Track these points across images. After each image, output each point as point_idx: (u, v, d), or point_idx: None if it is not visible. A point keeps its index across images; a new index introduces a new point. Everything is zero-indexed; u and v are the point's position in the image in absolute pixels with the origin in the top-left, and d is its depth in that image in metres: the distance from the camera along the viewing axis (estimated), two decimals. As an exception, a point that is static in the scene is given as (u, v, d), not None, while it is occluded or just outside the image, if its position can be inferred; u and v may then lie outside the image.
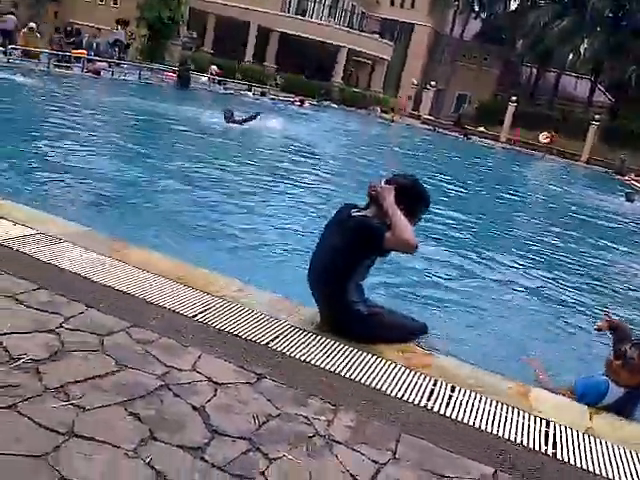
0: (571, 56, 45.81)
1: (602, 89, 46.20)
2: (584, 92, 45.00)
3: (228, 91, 28.87)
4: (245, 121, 15.43)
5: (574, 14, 40.77)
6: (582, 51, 45.80)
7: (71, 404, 2.06)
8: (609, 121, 39.13)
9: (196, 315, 2.93)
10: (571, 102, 45.39)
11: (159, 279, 3.27)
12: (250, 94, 29.44)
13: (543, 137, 34.67)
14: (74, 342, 2.46)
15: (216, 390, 2.34)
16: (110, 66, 23.55)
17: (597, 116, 36.90)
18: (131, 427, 2.02)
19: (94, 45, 25.86)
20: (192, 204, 7.13)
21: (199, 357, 2.55)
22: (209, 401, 2.26)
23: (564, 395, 3.11)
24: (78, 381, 2.19)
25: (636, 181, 27.64)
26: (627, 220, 15.35)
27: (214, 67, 30.47)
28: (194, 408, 2.20)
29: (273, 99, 30.41)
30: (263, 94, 30.01)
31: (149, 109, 15.91)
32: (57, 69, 20.77)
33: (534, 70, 47.56)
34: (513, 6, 46.90)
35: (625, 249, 10.57)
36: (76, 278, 3.07)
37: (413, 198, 3.10)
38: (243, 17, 37.08)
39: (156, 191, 7.42)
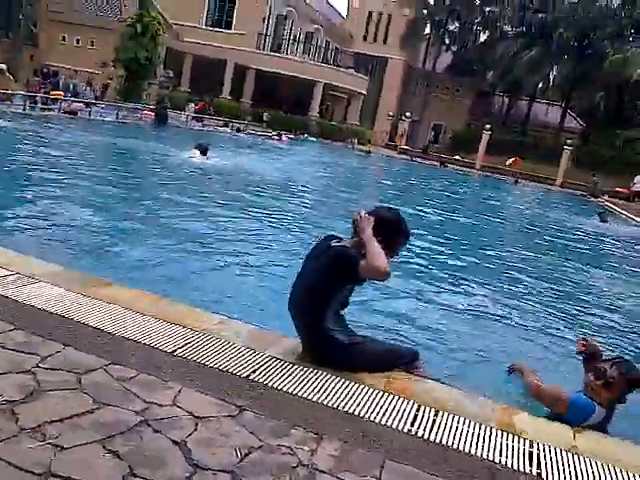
0: (541, 84, 47.13)
1: (573, 115, 47.41)
2: (555, 118, 46.13)
3: (205, 128, 29.09)
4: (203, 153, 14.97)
5: (541, 44, 42.02)
6: (551, 79, 47.15)
7: (48, 444, 2.01)
8: (581, 146, 40.06)
9: (175, 350, 2.90)
10: (543, 128, 46.49)
11: (137, 315, 3.24)
12: (228, 130, 29.71)
13: (508, 162, 35.52)
14: (51, 381, 2.42)
15: (197, 424, 2.31)
16: (87, 106, 23.64)
17: (569, 141, 37.78)
18: (110, 465, 1.98)
19: (71, 86, 26.02)
20: (166, 243, 7.08)
21: (179, 392, 2.52)
22: (190, 435, 2.22)
23: (556, 399, 3.11)
24: (55, 420, 2.15)
25: (610, 202, 28.19)
26: (602, 239, 15.73)
27: (192, 105, 30.75)
28: (175, 443, 2.16)
29: (251, 134, 30.74)
30: (239, 130, 30.25)
31: (125, 147, 15.95)
32: (34, 111, 20.78)
33: (505, 99, 48.75)
34: (482, 38, 48.21)
35: (600, 268, 10.78)
36: (53, 317, 3.03)
37: (392, 231, 3.12)
38: (219, 56, 37.60)
39: (129, 230, 7.37)
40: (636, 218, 22.65)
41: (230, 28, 39.68)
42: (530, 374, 3.43)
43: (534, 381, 3.34)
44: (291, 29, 42.77)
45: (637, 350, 5.89)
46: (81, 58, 36.54)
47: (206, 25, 40.06)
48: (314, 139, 35.71)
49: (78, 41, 39.96)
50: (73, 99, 23.97)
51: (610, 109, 42.78)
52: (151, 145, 17.00)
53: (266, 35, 40.58)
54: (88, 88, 27.74)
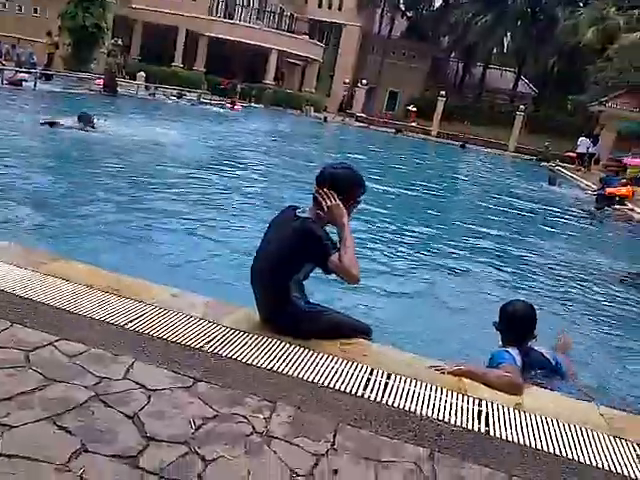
0: (495, 50, 47.47)
1: (526, 81, 48.04)
2: (509, 84, 46.66)
3: (157, 97, 28.36)
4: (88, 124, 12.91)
5: (495, 10, 42.19)
6: (505, 45, 47.54)
7: (-5, 423, 1.98)
8: (533, 111, 40.74)
9: (127, 324, 2.87)
10: (497, 94, 46.99)
11: (87, 290, 3.18)
12: (181, 100, 29.04)
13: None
14: (-2, 360, 2.37)
15: (150, 397, 2.31)
16: (32, 76, 22.67)
17: (522, 106, 38.31)
18: (61, 441, 1.97)
19: (14, 56, 24.91)
20: (118, 213, 6.94)
21: (131, 365, 2.50)
22: (143, 408, 2.22)
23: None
24: (3, 399, 2.11)
25: (560, 166, 28.88)
26: (550, 200, 16.46)
27: (142, 74, 29.86)
28: (127, 416, 2.16)
29: (206, 102, 30.14)
30: (179, 97, 29.42)
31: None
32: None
33: (460, 65, 48.95)
34: (437, 4, 48.10)
35: (547, 228, 11.19)
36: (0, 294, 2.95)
37: (350, 187, 3.10)
38: (170, 22, 36.51)
39: (76, 202, 7.18)
40: (583, 180, 23.32)
41: (181, -7, 38.47)
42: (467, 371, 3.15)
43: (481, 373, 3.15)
44: (244, -6, 41.72)
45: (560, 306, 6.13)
46: (24, 26, 34.89)
47: (156, -10, 38.72)
48: (261, 106, 35.16)
49: (20, 8, 38.09)
50: (17, 69, 22.93)
51: (562, 75, 43.46)
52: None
53: (218, 1, 39.51)
54: (34, 57, 26.52)
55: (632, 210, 15.44)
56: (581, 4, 41.64)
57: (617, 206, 15.13)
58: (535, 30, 41.24)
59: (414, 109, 39.49)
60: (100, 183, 8.46)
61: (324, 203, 3.03)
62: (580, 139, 29.16)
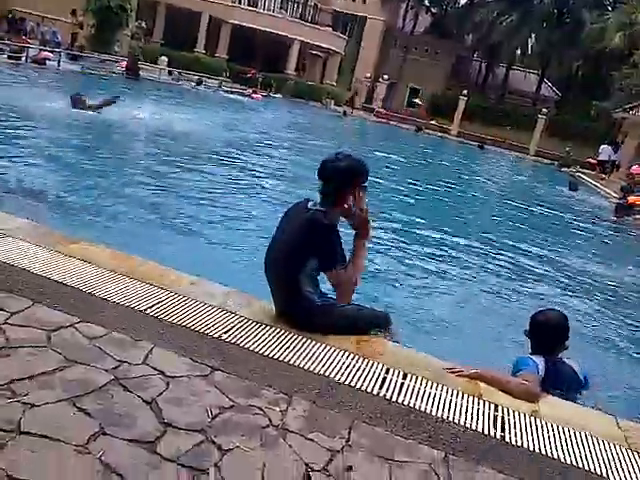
0: (519, 51, 46.99)
1: (549, 84, 47.52)
2: (532, 86, 46.18)
3: (180, 82, 28.42)
4: (99, 107, 12.85)
5: (521, 10, 41.72)
6: (529, 47, 47.03)
7: (17, 401, 2.00)
8: (556, 115, 40.31)
9: (147, 309, 2.88)
10: (520, 97, 46.54)
11: (109, 273, 3.20)
12: (201, 87, 29.07)
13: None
14: (20, 338, 2.39)
15: (168, 383, 2.32)
16: (56, 56, 22.81)
17: (544, 110, 37.93)
18: (81, 423, 1.99)
19: (39, 34, 25.04)
20: (140, 199, 6.98)
21: (151, 351, 2.51)
22: (161, 394, 2.23)
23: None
24: (24, 378, 2.14)
25: (581, 172, 28.61)
26: (570, 206, 16.39)
27: (164, 58, 29.92)
28: (145, 402, 2.17)
29: (227, 90, 30.17)
30: (199, 83, 29.35)
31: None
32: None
33: (483, 65, 48.52)
34: (462, 1, 47.68)
35: (564, 235, 11.10)
36: (22, 273, 2.97)
37: (354, 176, 3.10)
38: (194, 7, 36.48)
39: (96, 187, 7.22)
40: (604, 188, 23.08)
41: (206, -21, 38.43)
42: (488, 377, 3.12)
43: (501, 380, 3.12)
44: (269, -18, 41.59)
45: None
46: (49, 4, 35.02)
47: (181, -25, 38.70)
48: (280, 96, 35.11)
49: (46, -15, 38.26)
50: (41, 47, 23.06)
51: (586, 79, 42.98)
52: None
53: (243, -12, 39.47)
54: (59, 36, 26.64)
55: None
56: (609, 8, 41.13)
57: (638, 215, 14.93)
58: (561, 32, 40.71)
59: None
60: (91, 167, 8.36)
61: (359, 205, 3.08)
62: (602, 147, 28.97)
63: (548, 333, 3.33)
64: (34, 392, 2.07)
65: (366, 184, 3.16)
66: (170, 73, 28.96)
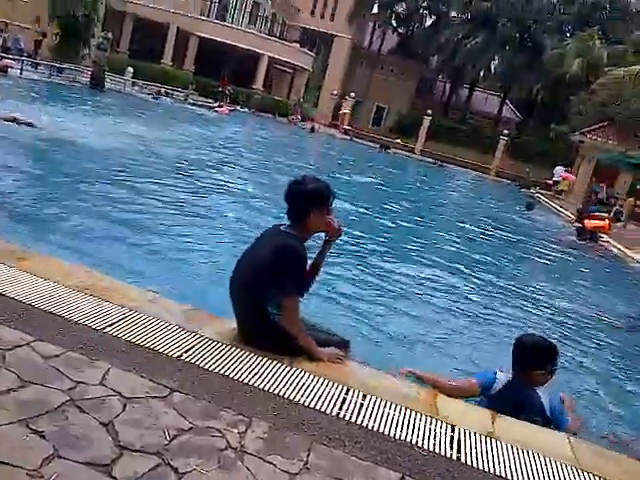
0: (482, 73, 48.15)
1: (510, 106, 48.77)
2: (494, 108, 47.32)
3: (141, 95, 28.16)
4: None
5: (485, 33, 42.84)
6: (492, 68, 48.24)
7: (-33, 424, 1.95)
8: (516, 136, 41.35)
9: (105, 327, 2.84)
10: (482, 118, 47.64)
11: (66, 290, 3.15)
12: (162, 98, 28.84)
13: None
14: (-28, 358, 2.33)
15: (125, 405, 2.29)
16: (19, 63, 22.39)
17: (505, 131, 38.89)
18: (34, 445, 1.94)
19: (1, 40, 24.55)
20: (107, 211, 6.89)
21: (107, 371, 2.48)
22: (118, 416, 2.20)
23: (466, 389, 3.50)
24: (-24, 399, 2.08)
25: (540, 193, 29.41)
26: (526, 226, 17.13)
27: (130, 69, 29.67)
28: (102, 424, 2.14)
29: (193, 104, 30.05)
30: (158, 93, 28.99)
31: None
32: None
33: (447, 86, 49.54)
34: (429, 22, 48.64)
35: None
36: (-25, 289, 2.90)
37: (322, 199, 3.15)
38: (162, 19, 36.33)
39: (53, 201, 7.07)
40: (559, 208, 23.83)
41: (174, -9, 38.33)
42: (433, 378, 3.61)
43: (442, 382, 3.56)
44: (238, -3, 41.73)
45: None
46: (12, 11, 34.41)
47: (149, -14, 38.55)
48: (247, 110, 35.15)
49: (9, -8, 37.57)
50: (2, 55, 22.62)
51: (546, 103, 44.23)
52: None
53: (212, 2, 39.49)
54: (22, 43, 26.15)
55: (609, 243, 15.81)
56: (568, 34, 42.53)
57: (598, 240, 15.50)
58: (522, 56, 41.93)
59: (346, 111, 39.69)
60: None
61: (336, 225, 3.19)
62: (556, 168, 30.89)
63: (520, 353, 3.45)
64: (-14, 414, 2.02)
65: (332, 206, 3.22)
66: (134, 84, 28.68)
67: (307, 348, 3.09)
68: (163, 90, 30.10)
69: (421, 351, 4.92)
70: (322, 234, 3.31)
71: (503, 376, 3.45)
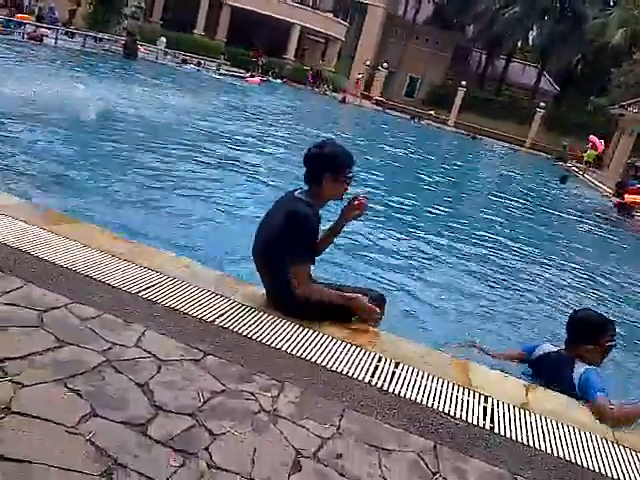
0: (519, 44, 46.85)
1: (548, 78, 47.43)
2: (531, 80, 46.10)
3: (174, 64, 28.18)
4: None
5: (524, 2, 41.54)
6: (530, 39, 46.89)
7: (8, 380, 1.99)
8: (553, 109, 40.30)
9: (140, 292, 2.87)
10: (518, 89, 46.48)
11: (101, 254, 3.18)
12: (188, 66, 28.76)
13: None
14: (11, 317, 2.38)
15: (160, 367, 2.32)
16: (53, 33, 22.56)
17: (542, 104, 37.91)
18: (72, 404, 1.98)
19: (36, 10, 24.75)
20: (133, 181, 6.91)
21: (143, 334, 2.51)
22: (153, 377, 2.23)
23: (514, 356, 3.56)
24: (15, 357, 2.13)
25: (576, 167, 28.73)
26: (561, 198, 16.85)
27: (163, 39, 29.67)
28: (137, 384, 2.17)
29: (224, 74, 29.98)
30: (184, 62, 28.83)
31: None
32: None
33: (484, 56, 48.35)
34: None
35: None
36: (14, 252, 2.95)
37: (339, 163, 3.07)
38: (194, -13, 36.10)
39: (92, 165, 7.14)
40: (595, 182, 23.26)
41: (206, -40, 37.98)
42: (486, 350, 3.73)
43: (495, 353, 3.67)
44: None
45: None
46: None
47: (182, -47, 38.23)
48: (279, 81, 34.87)
49: (44, -39, 37.70)
50: (38, 24, 22.80)
51: (585, 74, 42.96)
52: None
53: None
54: (56, 12, 26.33)
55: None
56: (611, 3, 40.98)
57: (635, 216, 15.06)
58: (562, 26, 40.61)
59: (359, 76, 38.60)
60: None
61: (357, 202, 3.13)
62: (591, 137, 30.20)
63: (571, 325, 3.41)
64: (25, 372, 2.07)
65: (351, 175, 3.11)
66: (166, 54, 28.68)
67: (334, 299, 3.05)
68: (195, 60, 30.03)
69: (459, 324, 4.87)
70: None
71: (547, 346, 3.46)
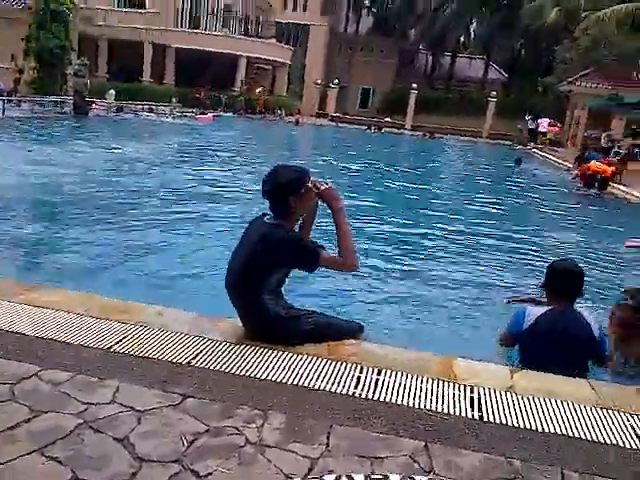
0: (462, 38, 47.75)
1: (495, 67, 48.32)
2: (479, 72, 46.89)
3: (127, 115, 28.11)
4: None
5: (459, -2, 42.46)
6: (472, 32, 47.82)
7: (-17, 460, 1.95)
8: (504, 96, 41.04)
9: (112, 346, 2.83)
10: (468, 83, 47.23)
11: (68, 315, 3.14)
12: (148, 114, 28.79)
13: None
14: (-19, 395, 2.33)
15: (140, 418, 2.28)
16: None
17: (493, 93, 38.58)
18: (51, 472, 1.94)
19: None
20: (92, 237, 6.82)
21: (117, 389, 2.47)
22: (132, 430, 2.19)
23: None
24: (-11, 435, 2.08)
25: (536, 148, 29.22)
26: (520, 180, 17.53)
27: (112, 91, 29.66)
28: (117, 440, 2.13)
29: (178, 115, 30.03)
30: (119, 110, 28.77)
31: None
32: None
33: (429, 57, 49.13)
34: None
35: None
36: (-22, 329, 2.90)
37: (297, 182, 3.05)
38: (135, 37, 36.20)
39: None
40: (557, 160, 23.82)
41: (143, 7, 38.18)
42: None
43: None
44: (208, 2, 41.44)
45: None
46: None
47: (118, 7, 38.40)
48: (230, 114, 35.02)
49: (-19, 34, 37.60)
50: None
51: (530, 57, 43.83)
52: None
53: (182, 11, 39.30)
54: (1, 83, 26.16)
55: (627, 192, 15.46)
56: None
57: (607, 187, 15.19)
58: (500, 15, 41.52)
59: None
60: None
61: (318, 188, 3.04)
62: (539, 119, 31.89)
63: (575, 278, 3.36)
64: (1, 448, 2.02)
65: (311, 182, 3.08)
66: (117, 107, 28.59)
67: (348, 232, 3.07)
68: (147, 107, 30.04)
69: (433, 317, 4.89)
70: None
71: (535, 309, 3.40)
